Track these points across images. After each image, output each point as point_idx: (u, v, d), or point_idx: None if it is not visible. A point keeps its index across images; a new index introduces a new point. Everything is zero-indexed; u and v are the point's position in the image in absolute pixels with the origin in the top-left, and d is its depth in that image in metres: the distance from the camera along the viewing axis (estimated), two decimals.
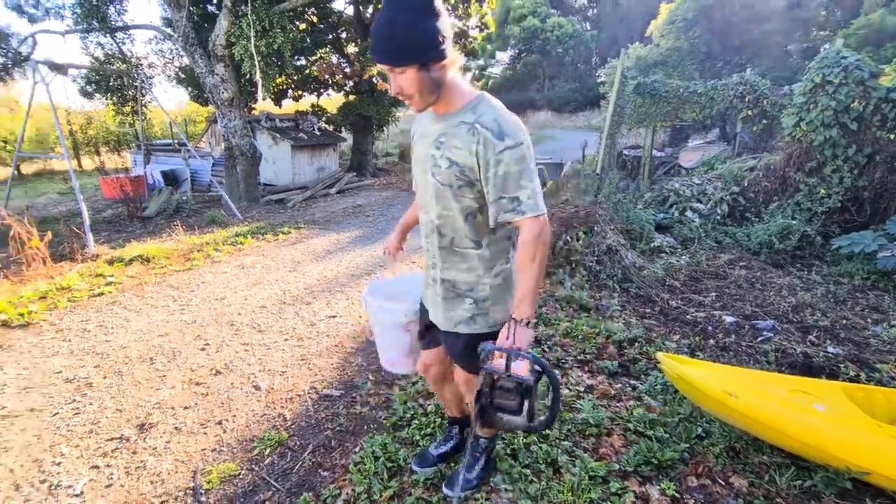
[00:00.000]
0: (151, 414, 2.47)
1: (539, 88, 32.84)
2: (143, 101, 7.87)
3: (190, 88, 10.94)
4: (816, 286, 4.23)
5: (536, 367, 1.27)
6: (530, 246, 1.28)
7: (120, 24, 7.95)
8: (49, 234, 4.72)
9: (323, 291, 4.29)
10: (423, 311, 1.72)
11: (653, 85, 8.41)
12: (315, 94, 12.10)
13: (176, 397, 2.63)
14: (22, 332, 3.39)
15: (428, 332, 1.75)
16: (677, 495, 1.92)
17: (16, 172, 8.68)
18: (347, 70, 10.33)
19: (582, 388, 2.68)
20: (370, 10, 10.47)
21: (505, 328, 1.31)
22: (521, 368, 1.25)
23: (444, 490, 1.89)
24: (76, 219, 6.70)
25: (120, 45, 8.46)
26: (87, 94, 9.37)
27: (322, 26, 9.95)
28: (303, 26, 9.39)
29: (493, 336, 1.39)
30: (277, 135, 9.60)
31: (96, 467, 2.10)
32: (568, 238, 4.70)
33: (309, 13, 9.53)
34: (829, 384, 2.27)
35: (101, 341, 3.27)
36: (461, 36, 13.35)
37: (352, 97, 11.39)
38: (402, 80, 1.22)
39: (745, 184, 6.31)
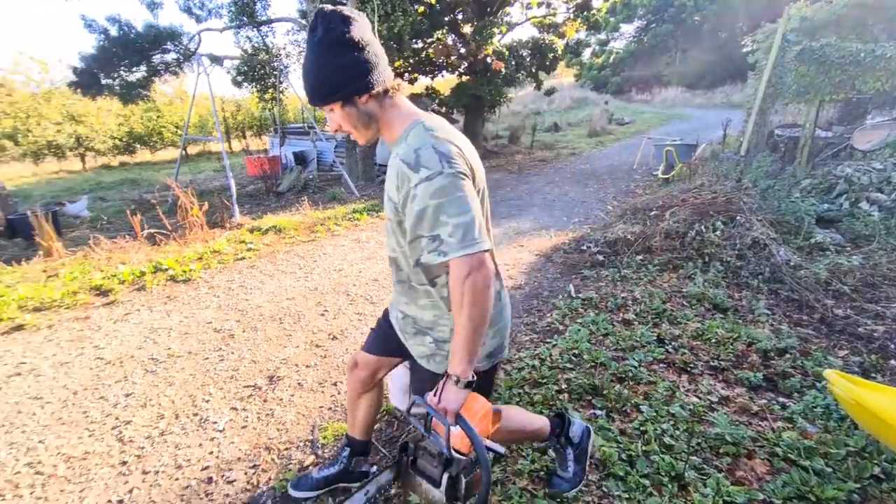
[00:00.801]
0: (279, 368, 2.73)
1: (669, 62, 29.63)
2: (280, 89, 8.71)
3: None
4: None
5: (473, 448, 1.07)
6: (456, 292, 1.07)
7: (264, 18, 8.86)
8: (206, 205, 5.49)
9: None
10: (385, 316, 1.63)
11: (823, 50, 6.97)
12: (430, 76, 12.33)
13: (299, 356, 2.87)
14: (184, 287, 4.00)
15: (376, 335, 1.63)
16: None
17: (184, 153, 10.28)
18: (463, 51, 10.30)
19: (715, 399, 2.34)
20: None
21: (437, 384, 1.15)
22: (442, 434, 1.09)
23: (549, 490, 1.77)
24: (226, 192, 7.73)
25: (264, 37, 9.45)
26: (237, 84, 10.70)
27: (439, 8, 10.00)
28: (421, 9, 9.54)
29: None
30: None
31: (235, 409, 2.37)
32: (702, 228, 4.14)
33: None
34: None
35: (241, 299, 3.71)
36: (583, 8, 12.49)
37: (465, 78, 11.39)
38: (335, 117, 1.19)
39: None
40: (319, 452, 2.07)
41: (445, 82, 14.67)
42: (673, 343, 2.85)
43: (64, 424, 2.26)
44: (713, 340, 2.85)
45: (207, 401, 2.44)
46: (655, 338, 2.92)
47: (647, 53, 30.06)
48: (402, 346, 1.51)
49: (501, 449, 1.20)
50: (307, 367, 2.76)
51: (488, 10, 11.21)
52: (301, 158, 10.91)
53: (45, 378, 2.65)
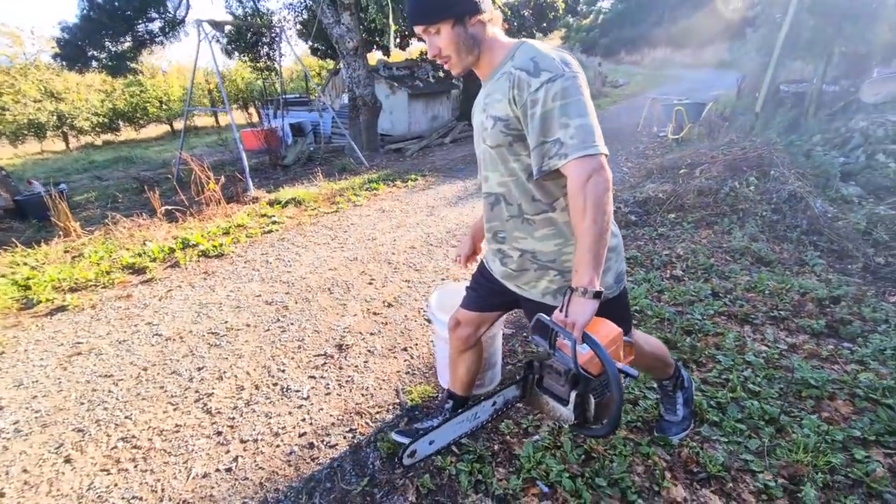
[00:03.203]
0: (345, 337, 2.72)
1: (657, 22, 29.06)
2: (279, 55, 8.34)
3: (310, 42, 11.39)
4: None
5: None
6: (578, 197, 1.05)
7: None
8: (223, 178, 5.32)
9: (466, 235, 4.33)
10: (481, 269, 1.58)
11: (835, 0, 6.87)
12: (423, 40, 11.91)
13: (360, 324, 2.86)
14: (219, 262, 3.92)
15: (477, 292, 1.59)
16: None
17: (171, 127, 9.91)
18: None
19: (783, 347, 2.40)
20: None
21: (562, 298, 1.09)
22: (567, 350, 1.05)
23: (657, 435, 1.81)
24: (232, 167, 7.51)
25: (257, 2, 8.96)
26: (227, 53, 10.22)
27: None
28: None
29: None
30: (395, 83, 9.70)
31: (313, 377, 2.37)
32: (735, 184, 4.16)
33: None
34: None
35: (283, 272, 3.65)
36: None
37: None
38: (438, 41, 1.16)
39: None
40: (411, 414, 2.09)
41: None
42: (728, 296, 2.90)
43: (144, 400, 2.24)
44: (766, 292, 2.91)
45: (283, 370, 2.42)
46: (710, 291, 2.97)
47: (634, 13, 29.37)
48: (503, 300, 1.50)
49: (635, 372, 1.11)
50: (371, 334, 2.75)
51: None
52: (298, 130, 10.61)
53: (107, 356, 2.60)
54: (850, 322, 2.57)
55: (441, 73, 11.08)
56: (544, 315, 1.11)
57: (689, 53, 26.23)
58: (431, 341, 2.65)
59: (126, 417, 2.12)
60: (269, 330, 2.82)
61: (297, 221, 4.90)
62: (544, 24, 12.08)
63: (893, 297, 2.87)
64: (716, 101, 9.28)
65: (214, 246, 4.13)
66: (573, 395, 1.08)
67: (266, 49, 9.32)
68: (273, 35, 8.15)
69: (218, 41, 9.67)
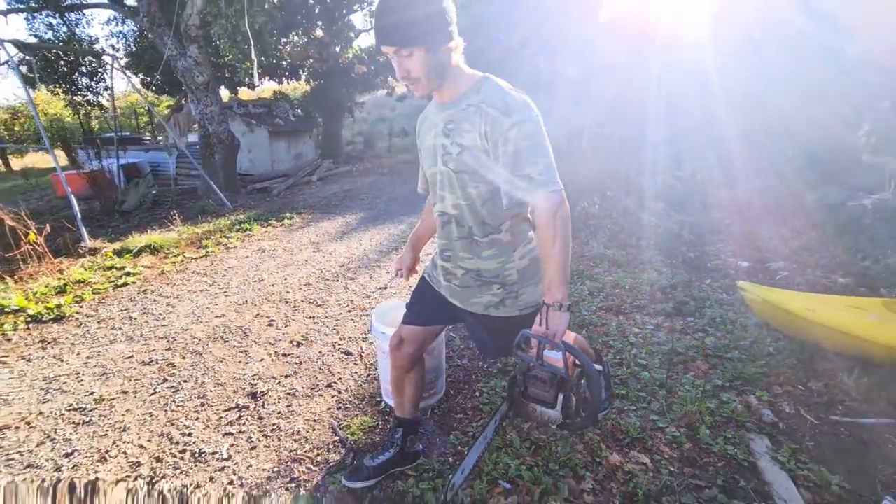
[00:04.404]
0: (256, 384, 2.45)
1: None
2: (111, 88, 7.23)
3: (142, 75, 10.16)
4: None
5: (576, 362, 1.20)
6: (549, 227, 1.19)
7: (72, 2, 7.22)
8: (48, 228, 4.34)
9: (361, 267, 4.28)
10: (424, 284, 1.66)
11: None
12: (280, 79, 11.65)
13: (271, 368, 2.61)
14: (60, 326, 3.16)
15: (420, 306, 1.64)
16: (772, 399, 2.21)
17: None
18: (322, 53, 10.03)
19: (651, 327, 2.94)
20: None
21: (539, 314, 1.22)
22: (555, 357, 1.18)
23: None
24: (48, 216, 6.15)
25: (72, 26, 7.69)
26: (30, 82, 8.44)
27: (290, 8, 9.57)
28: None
29: (523, 319, 1.37)
30: (252, 121, 9.19)
31: (230, 434, 2.08)
32: (585, 204, 4.97)
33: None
34: (871, 300, 2.65)
35: (156, 326, 3.12)
36: None
37: (318, 82, 11.08)
38: (409, 64, 1.21)
39: None
40: (355, 448, 1.98)
41: (292, 87, 14.00)
42: (601, 294, 3.44)
43: None
44: (627, 287, 3.53)
45: (189, 434, 2.07)
46: (587, 292, 3.48)
47: (471, 63, 33.08)
48: (447, 312, 1.57)
49: (600, 367, 1.37)
50: (286, 377, 2.53)
51: (336, 14, 11.14)
52: (135, 172, 9.22)
53: None
54: (688, 302, 3.28)
55: (300, 112, 10.89)
56: (528, 330, 1.21)
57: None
58: (375, 359, 2.55)
59: None
60: (155, 393, 2.38)
61: (158, 271, 4.24)
62: None
63: (707, 280, 3.75)
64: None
65: (48, 308, 3.32)
66: (560, 397, 1.21)
67: (87, 80, 7.98)
68: (96, 66, 7.04)
69: (16, 68, 7.96)
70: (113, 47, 8.69)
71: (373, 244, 5.06)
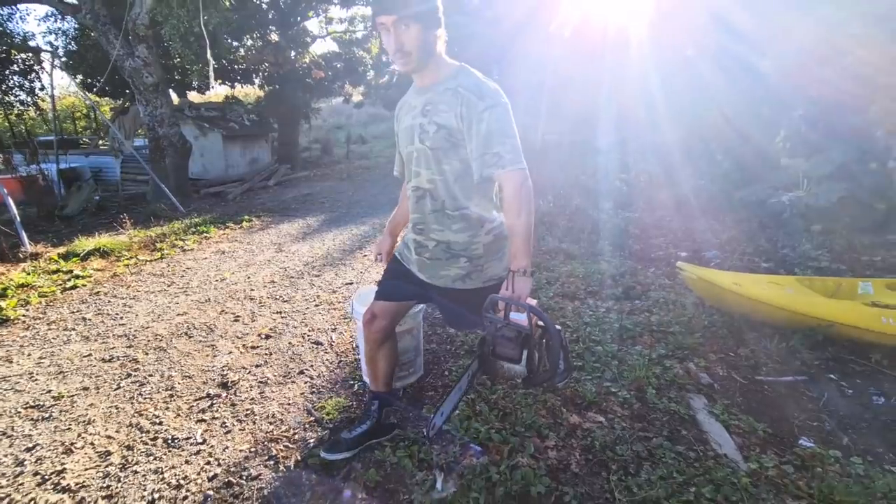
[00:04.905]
0: (226, 375, 2.45)
1: None
2: (51, 89, 6.82)
3: (81, 76, 9.62)
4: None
5: (539, 322, 1.31)
6: (515, 201, 1.32)
7: None
8: None
9: (325, 266, 4.31)
10: (395, 262, 1.76)
11: None
12: (234, 84, 11.38)
13: (240, 360, 2.62)
14: (4, 329, 3.00)
15: (392, 282, 1.74)
16: (708, 365, 2.49)
17: None
18: (278, 58, 9.92)
19: (603, 310, 3.19)
20: None
21: (506, 280, 1.35)
22: (520, 317, 1.30)
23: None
24: None
25: (3, 21, 7.20)
26: None
27: (244, 12, 9.43)
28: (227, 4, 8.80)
29: (487, 291, 1.46)
30: (205, 124, 8.92)
31: (203, 421, 2.08)
32: (539, 202, 5.24)
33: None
34: (787, 277, 3.03)
35: (114, 326, 3.03)
36: None
37: (273, 87, 10.92)
38: (405, 36, 1.31)
39: None
40: (330, 426, 2.05)
41: (244, 91, 13.69)
42: (557, 283, 3.67)
43: None
44: (580, 276, 3.78)
45: (160, 423, 2.06)
46: (545, 281, 3.70)
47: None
48: (416, 289, 1.68)
49: (558, 327, 1.52)
50: (257, 366, 2.55)
51: (291, 20, 11.06)
52: (73, 178, 8.68)
53: None
54: (634, 287, 3.57)
55: (255, 117, 10.68)
56: (495, 295, 1.34)
57: None
58: (355, 343, 2.62)
59: None
60: (119, 388, 2.34)
61: (110, 273, 4.07)
62: (354, 78, 12.91)
63: (651, 269, 4.08)
64: None
65: None
66: (525, 353, 1.32)
67: (20, 79, 7.48)
68: (31, 64, 6.64)
69: None
70: (51, 44, 8.19)
71: (336, 244, 5.08)
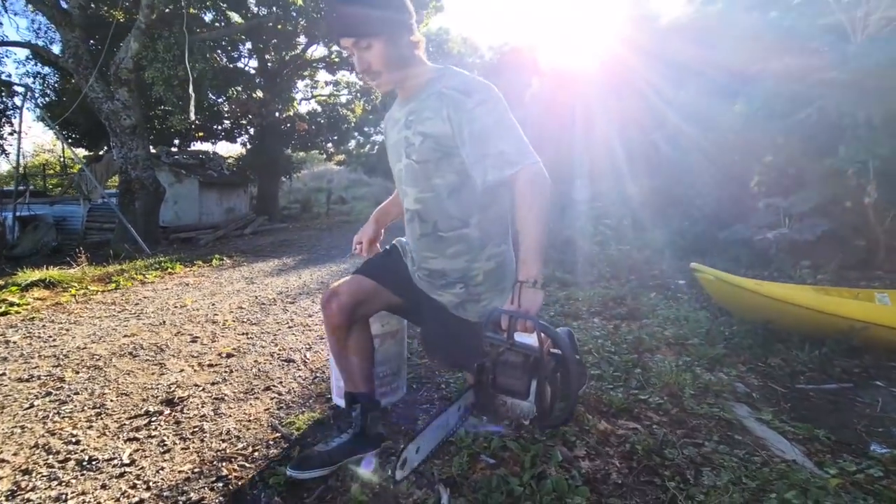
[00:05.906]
0: (173, 392, 2.00)
1: None
2: (19, 133, 6.58)
3: (55, 127, 9.44)
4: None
5: (553, 350, 1.04)
6: (528, 192, 1.10)
7: None
8: None
9: (300, 294, 3.92)
10: (393, 249, 1.51)
11: None
12: (214, 140, 11.40)
13: (193, 377, 2.17)
14: None
15: (380, 263, 1.47)
16: (740, 374, 2.19)
17: None
18: (263, 110, 10.04)
19: (611, 327, 2.89)
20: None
21: (511, 293, 1.08)
22: (528, 336, 1.02)
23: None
24: None
25: None
26: None
27: (231, 67, 9.68)
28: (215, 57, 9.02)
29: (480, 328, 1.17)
30: (182, 171, 8.71)
31: (135, 439, 1.62)
32: None
33: (218, 53, 9.22)
34: (804, 286, 2.84)
35: (42, 347, 2.54)
36: (365, 93, 13.97)
37: (256, 142, 10.98)
38: (369, 56, 1.15)
39: None
40: (299, 441, 1.62)
41: (222, 148, 13.75)
42: (557, 304, 3.39)
43: None
44: (580, 298, 3.52)
45: (76, 443, 1.59)
46: (542, 303, 3.40)
47: None
48: (406, 286, 1.40)
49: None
50: (213, 384, 2.10)
51: (277, 80, 11.41)
52: (34, 226, 8.18)
53: None
54: (639, 308, 3.31)
55: (234, 168, 10.57)
56: (499, 308, 1.07)
57: None
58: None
59: None
60: (32, 407, 1.85)
61: (52, 302, 3.57)
62: (336, 135, 13.18)
63: (653, 293, 3.85)
64: None
65: None
66: (533, 384, 1.02)
67: None
68: (5, 101, 6.44)
69: None
70: (27, 87, 8.03)
71: (313, 278, 4.72)
